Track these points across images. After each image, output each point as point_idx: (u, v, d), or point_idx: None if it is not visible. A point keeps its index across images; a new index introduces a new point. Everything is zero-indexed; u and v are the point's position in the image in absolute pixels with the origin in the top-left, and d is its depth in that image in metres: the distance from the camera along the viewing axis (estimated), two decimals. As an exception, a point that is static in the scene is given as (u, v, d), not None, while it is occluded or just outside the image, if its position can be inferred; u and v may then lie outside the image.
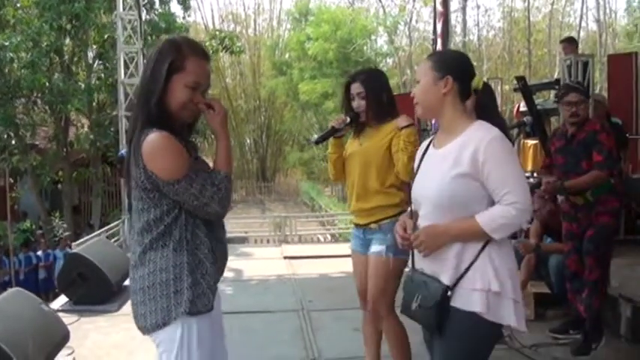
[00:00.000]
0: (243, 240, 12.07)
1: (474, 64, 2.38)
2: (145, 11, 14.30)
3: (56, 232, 15.68)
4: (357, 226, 3.34)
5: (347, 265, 6.67)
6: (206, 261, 2.05)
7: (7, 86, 13.89)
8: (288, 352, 4.43)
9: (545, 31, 28.19)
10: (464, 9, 26.10)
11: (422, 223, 2.18)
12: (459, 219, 2.07)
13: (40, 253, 12.96)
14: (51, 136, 16.47)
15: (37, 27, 13.64)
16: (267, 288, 6.60)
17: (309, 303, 5.73)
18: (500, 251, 2.09)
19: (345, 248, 8.17)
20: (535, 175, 6.59)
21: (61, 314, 4.85)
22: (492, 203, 2.07)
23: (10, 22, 14.49)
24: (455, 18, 24.93)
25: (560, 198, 4.29)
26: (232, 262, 7.42)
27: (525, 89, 5.86)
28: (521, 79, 6.00)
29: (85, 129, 16.88)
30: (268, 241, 12.08)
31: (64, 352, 4.18)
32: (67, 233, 14.66)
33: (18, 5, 14.85)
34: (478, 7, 40.34)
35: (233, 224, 12.97)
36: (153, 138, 1.94)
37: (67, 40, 15.52)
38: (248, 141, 38.25)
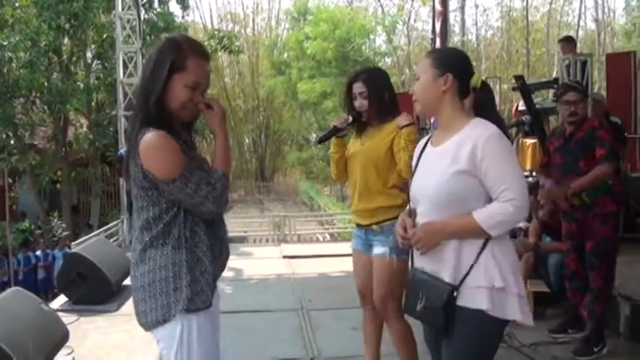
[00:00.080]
0: (242, 239, 12.09)
1: (473, 63, 2.38)
2: (143, 11, 14.28)
3: (55, 232, 15.67)
4: (358, 226, 3.32)
5: (346, 265, 6.68)
6: (205, 259, 2.06)
7: (6, 86, 13.87)
8: (288, 351, 4.43)
9: (544, 31, 28.25)
10: (462, 8, 26.19)
11: (420, 220, 2.18)
12: (456, 216, 2.07)
13: (39, 253, 12.94)
14: (50, 136, 16.46)
15: (35, 26, 13.61)
16: (266, 287, 6.60)
17: (309, 302, 5.74)
18: (501, 247, 2.09)
19: (344, 247, 8.19)
20: (534, 174, 6.60)
21: (60, 314, 4.84)
22: (490, 200, 2.08)
23: (8, 21, 14.45)
24: (453, 17, 25.02)
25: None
26: (231, 262, 7.36)
27: (524, 88, 5.87)
28: (519, 78, 6.01)
29: (84, 129, 16.89)
30: (267, 241, 12.09)
31: (63, 351, 4.18)
32: (65, 233, 14.64)
33: (16, 5, 14.81)
34: (477, 6, 40.54)
35: (232, 224, 12.97)
36: (149, 137, 1.96)
37: (66, 40, 15.51)
38: (247, 141, 38.31)
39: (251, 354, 4.33)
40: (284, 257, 8.30)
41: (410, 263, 2.28)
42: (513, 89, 9.03)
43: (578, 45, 11.07)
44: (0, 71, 13.70)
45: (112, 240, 9.04)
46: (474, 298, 2.04)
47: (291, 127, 35.73)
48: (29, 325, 3.71)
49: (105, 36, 14.96)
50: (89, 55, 16.32)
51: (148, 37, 14.02)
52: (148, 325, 2.06)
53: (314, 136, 33.24)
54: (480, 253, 2.06)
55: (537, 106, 6.65)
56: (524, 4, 26.05)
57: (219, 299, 2.23)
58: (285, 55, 33.00)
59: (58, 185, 17.19)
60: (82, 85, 15.38)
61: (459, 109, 2.18)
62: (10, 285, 9.62)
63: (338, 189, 29.84)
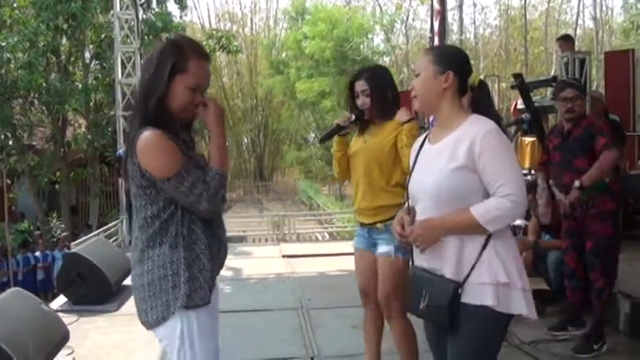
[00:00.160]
0: (241, 239, 12.09)
1: (471, 62, 2.39)
2: (141, 11, 14.28)
3: (54, 232, 15.67)
4: (361, 225, 3.30)
5: (345, 263, 6.68)
6: (203, 257, 2.08)
7: (4, 87, 13.88)
8: (288, 350, 4.43)
9: (542, 29, 28.29)
10: (460, 7, 26.20)
11: (420, 218, 2.18)
12: (453, 211, 2.07)
13: (38, 253, 12.94)
14: (48, 136, 16.45)
15: (33, 27, 13.62)
16: (266, 286, 6.60)
17: (308, 301, 5.73)
18: (504, 243, 2.09)
19: (343, 246, 8.20)
20: (532, 172, 6.60)
21: (60, 314, 4.83)
22: (488, 196, 2.07)
23: (6, 22, 14.45)
24: (452, 16, 25.02)
25: (558, 195, 4.29)
26: (231, 261, 7.41)
27: (523, 87, 5.88)
28: (518, 77, 6.02)
29: (83, 129, 16.88)
30: (267, 240, 12.09)
31: (63, 352, 4.17)
32: (64, 234, 14.64)
33: (15, 5, 14.81)
34: (475, 5, 40.61)
35: (231, 223, 12.97)
36: (146, 136, 1.98)
37: (64, 40, 15.52)
38: (245, 140, 38.28)
39: (251, 353, 4.33)
40: (283, 256, 8.30)
41: (411, 262, 2.27)
42: (512, 88, 9.05)
43: (577, 43, 11.11)
44: (-1, 72, 13.72)
45: (111, 240, 9.03)
46: (478, 294, 2.04)
47: (290, 127, 35.70)
48: (29, 325, 3.70)
49: (103, 36, 14.96)
50: (87, 55, 16.32)
51: (146, 37, 14.01)
52: (150, 323, 2.08)
53: (312, 135, 33.27)
54: (482, 249, 2.06)
55: (536, 105, 6.67)
56: (522, 2, 26.07)
57: (218, 296, 2.25)
58: (284, 55, 32.97)
59: (56, 186, 17.17)
60: (80, 86, 15.37)
61: (458, 107, 2.18)
62: (10, 286, 9.60)
63: (337, 188, 29.84)
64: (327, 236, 15.87)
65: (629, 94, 7.33)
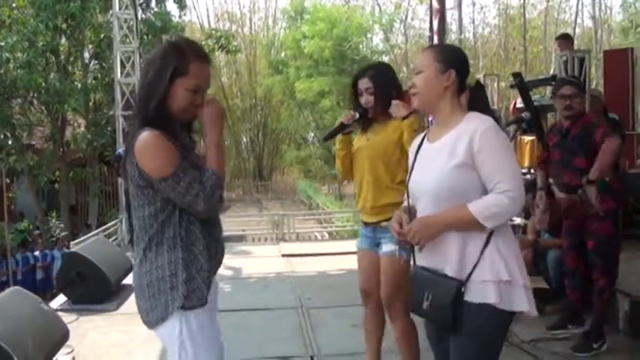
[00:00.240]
0: (240, 238, 12.07)
1: (470, 61, 2.39)
2: (141, 10, 14.28)
3: (53, 232, 15.66)
4: (365, 224, 3.28)
5: (345, 262, 6.68)
6: (201, 257, 2.10)
7: (4, 86, 13.86)
8: (288, 349, 4.43)
9: (541, 28, 28.29)
10: (460, 6, 26.09)
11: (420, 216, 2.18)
12: (451, 208, 2.07)
13: (37, 253, 12.94)
14: (47, 136, 16.43)
15: (32, 27, 13.61)
16: (265, 286, 6.60)
17: (308, 300, 5.73)
18: (505, 241, 2.09)
19: (342, 245, 8.21)
20: (532, 171, 6.61)
21: (59, 313, 4.83)
22: (487, 193, 2.07)
23: (5, 22, 14.43)
24: (451, 15, 24.88)
25: (557, 194, 4.29)
26: (230, 261, 7.42)
27: (522, 85, 5.86)
28: (517, 76, 6.01)
29: (82, 129, 16.86)
30: (266, 240, 12.07)
31: (63, 350, 4.18)
32: (64, 233, 14.63)
33: (14, 5, 14.80)
34: (474, 4, 40.56)
35: (230, 223, 12.96)
36: (144, 136, 2.00)
37: (63, 40, 15.50)
38: (244, 140, 38.26)
39: (251, 352, 4.33)
40: (283, 256, 8.30)
41: (412, 261, 2.27)
42: (511, 87, 9.05)
43: (576, 42, 11.12)
44: (-2, 72, 13.70)
45: (110, 239, 9.02)
46: (481, 292, 2.04)
47: (289, 126, 35.69)
48: (29, 325, 3.71)
49: (102, 36, 14.92)
50: (86, 55, 16.30)
51: (145, 37, 14.03)
52: (150, 323, 2.11)
53: (312, 135, 33.27)
54: (484, 247, 2.06)
55: (535, 104, 6.66)
56: (522, 1, 26.09)
57: (217, 294, 2.27)
58: (283, 54, 32.93)
59: (56, 185, 17.17)
60: (79, 85, 15.36)
61: (457, 105, 2.19)
62: (9, 285, 9.63)
63: (336, 187, 29.86)
64: (327, 235, 15.86)
65: (628, 92, 7.34)
